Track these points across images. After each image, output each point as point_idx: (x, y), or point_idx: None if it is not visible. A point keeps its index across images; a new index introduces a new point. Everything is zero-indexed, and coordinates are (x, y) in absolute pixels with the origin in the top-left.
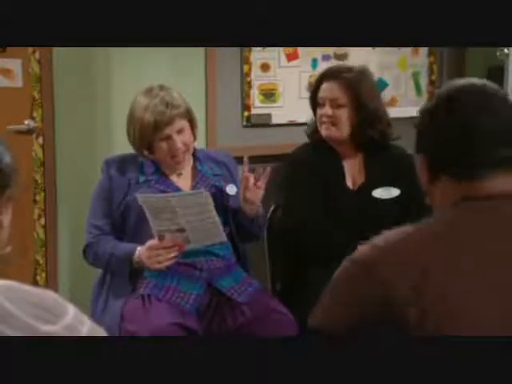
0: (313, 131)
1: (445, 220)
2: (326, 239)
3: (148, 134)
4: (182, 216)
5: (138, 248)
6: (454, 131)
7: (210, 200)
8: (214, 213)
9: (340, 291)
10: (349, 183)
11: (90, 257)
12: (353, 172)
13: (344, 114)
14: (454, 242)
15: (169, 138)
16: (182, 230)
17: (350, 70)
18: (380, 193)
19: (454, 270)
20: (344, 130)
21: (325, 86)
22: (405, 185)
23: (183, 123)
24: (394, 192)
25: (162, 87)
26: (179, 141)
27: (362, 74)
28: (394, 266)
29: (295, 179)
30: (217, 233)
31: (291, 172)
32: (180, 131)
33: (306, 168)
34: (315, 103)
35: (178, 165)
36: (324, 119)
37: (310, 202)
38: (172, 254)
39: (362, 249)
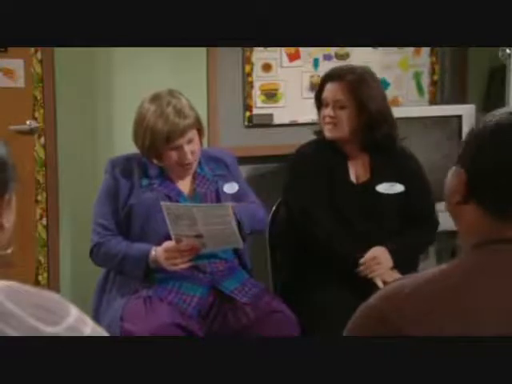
0: (320, 130)
1: (466, 267)
2: (327, 230)
3: (159, 144)
4: (202, 224)
5: (154, 248)
6: (505, 165)
7: (232, 211)
8: (234, 223)
9: (353, 333)
10: (353, 179)
11: (100, 257)
12: (357, 170)
13: (346, 116)
14: (471, 297)
15: (179, 148)
16: (199, 236)
17: (353, 71)
18: (384, 187)
19: (472, 330)
20: (346, 131)
21: (328, 86)
22: (410, 185)
23: (193, 133)
24: (399, 188)
25: (171, 93)
26: (189, 151)
27: (365, 75)
28: (409, 319)
29: (299, 171)
30: (234, 239)
31: (296, 165)
32: (190, 141)
33: (310, 162)
34: (320, 103)
35: (187, 172)
36: (327, 120)
37: (313, 192)
38: (187, 258)
39: (381, 294)
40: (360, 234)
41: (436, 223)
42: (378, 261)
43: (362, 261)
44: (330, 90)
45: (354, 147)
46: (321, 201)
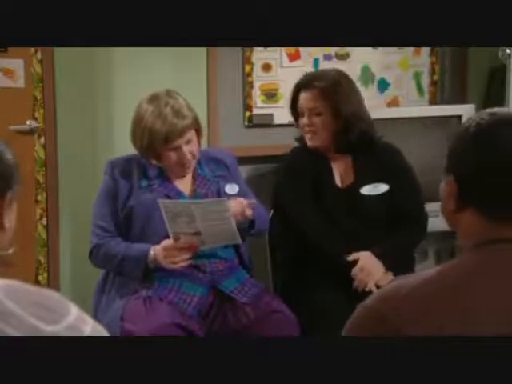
0: (301, 136)
1: (466, 266)
2: (316, 239)
3: (158, 145)
4: (200, 221)
5: (153, 247)
6: (491, 164)
7: (229, 207)
8: (232, 218)
9: (351, 334)
10: (338, 183)
11: (99, 259)
12: (342, 173)
13: (323, 122)
14: (471, 296)
15: (178, 148)
16: (197, 234)
17: (324, 77)
18: (368, 190)
19: (471, 330)
20: (326, 137)
21: (302, 95)
22: (395, 181)
23: (191, 133)
24: (383, 188)
25: (169, 93)
26: (187, 151)
27: (337, 80)
28: (407, 318)
29: (286, 182)
30: (232, 235)
31: (282, 176)
32: (188, 141)
33: (295, 171)
34: (296, 113)
35: (185, 172)
36: (306, 128)
37: (300, 204)
38: (186, 256)
39: (378, 295)
40: (349, 234)
41: (425, 220)
42: (367, 272)
43: (352, 274)
44: (305, 98)
45: (335, 150)
46: (310, 203)
